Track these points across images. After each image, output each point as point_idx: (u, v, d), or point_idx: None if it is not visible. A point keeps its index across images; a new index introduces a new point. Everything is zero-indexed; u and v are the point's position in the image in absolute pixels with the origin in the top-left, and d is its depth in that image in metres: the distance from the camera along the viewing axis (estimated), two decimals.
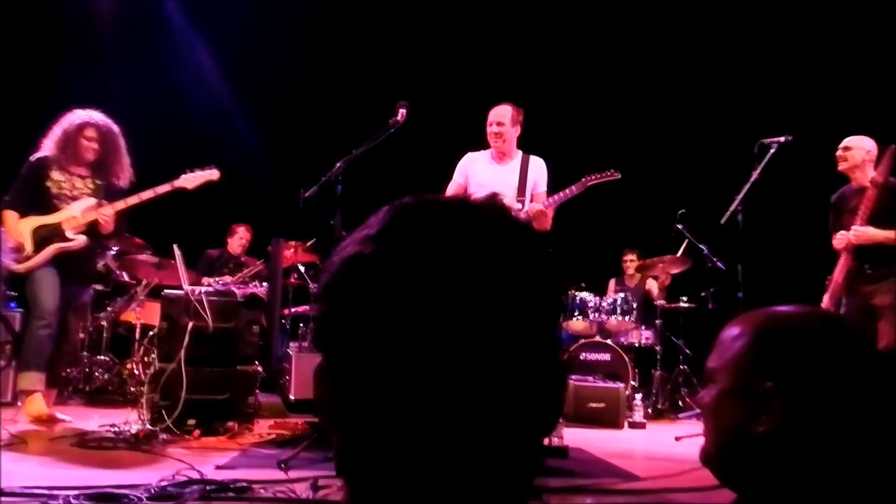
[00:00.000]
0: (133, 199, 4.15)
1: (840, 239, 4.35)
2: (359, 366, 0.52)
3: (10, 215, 4.06)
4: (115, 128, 4.28)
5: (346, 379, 0.54)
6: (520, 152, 4.24)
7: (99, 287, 5.43)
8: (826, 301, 4.43)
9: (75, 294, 4.20)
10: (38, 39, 6.63)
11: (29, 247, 4.01)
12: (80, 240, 4.08)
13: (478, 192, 4.10)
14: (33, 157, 4.15)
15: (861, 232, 4.23)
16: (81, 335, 4.89)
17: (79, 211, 4.09)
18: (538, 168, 4.21)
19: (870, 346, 0.91)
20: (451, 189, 4.28)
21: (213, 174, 4.36)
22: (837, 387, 0.87)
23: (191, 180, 4.27)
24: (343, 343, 0.53)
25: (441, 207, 0.56)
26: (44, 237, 4.03)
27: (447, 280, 0.51)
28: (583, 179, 4.19)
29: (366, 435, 0.53)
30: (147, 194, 4.17)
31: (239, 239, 6.62)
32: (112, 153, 4.24)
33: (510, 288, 0.52)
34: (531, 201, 4.14)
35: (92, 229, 4.13)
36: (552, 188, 4.24)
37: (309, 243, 5.80)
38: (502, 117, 4.13)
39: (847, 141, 4.54)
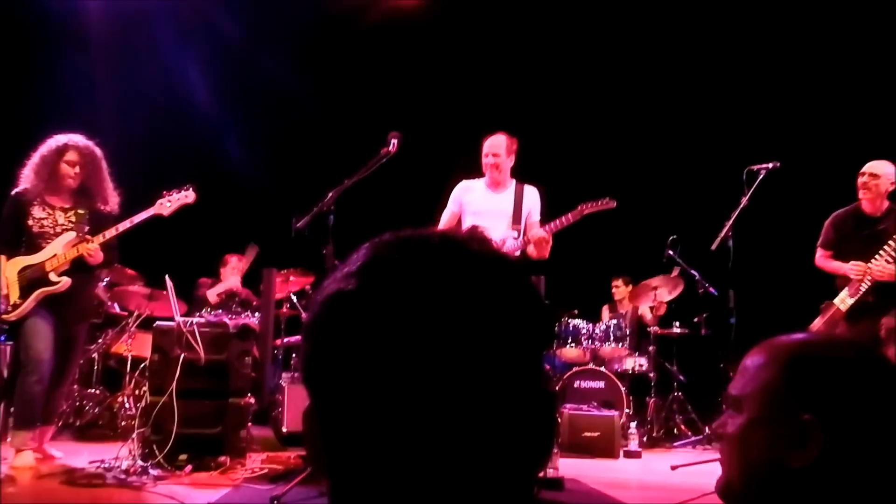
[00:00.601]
0: (111, 232, 3.95)
1: (857, 268, 4.25)
2: (344, 402, 0.52)
3: None
4: (98, 150, 4.07)
5: (332, 417, 0.54)
6: (513, 181, 4.28)
7: (95, 320, 5.38)
8: (819, 324, 4.42)
9: (71, 333, 4.05)
10: (24, 55, 6.67)
11: (14, 293, 3.83)
12: (64, 282, 3.89)
13: (473, 220, 4.17)
14: (13, 192, 3.96)
15: (886, 270, 4.14)
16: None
17: (60, 249, 3.91)
18: (532, 197, 4.24)
19: None
20: (446, 217, 4.29)
21: (188, 197, 4.13)
22: (875, 418, 0.84)
23: (167, 206, 4.06)
24: (328, 380, 0.54)
25: (421, 242, 0.56)
26: (29, 280, 3.86)
27: (429, 315, 0.51)
28: (579, 207, 4.18)
29: (354, 475, 0.53)
30: (124, 225, 3.98)
31: (231, 269, 6.57)
32: (95, 177, 4.04)
33: (492, 320, 0.52)
34: (525, 229, 4.15)
35: (79, 264, 3.94)
36: (544, 216, 4.26)
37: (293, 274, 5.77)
38: (498, 148, 4.17)
39: (874, 167, 4.38)
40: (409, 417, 0.50)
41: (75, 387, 5.19)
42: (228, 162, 7.16)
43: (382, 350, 0.51)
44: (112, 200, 4.11)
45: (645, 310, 6.76)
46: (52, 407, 4.05)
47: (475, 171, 4.35)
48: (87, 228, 4.00)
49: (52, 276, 3.88)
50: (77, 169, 3.98)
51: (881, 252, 4.17)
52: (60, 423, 4.99)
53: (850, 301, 4.29)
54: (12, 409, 3.91)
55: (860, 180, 4.37)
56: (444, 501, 0.51)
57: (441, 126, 6.78)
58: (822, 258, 4.55)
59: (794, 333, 0.95)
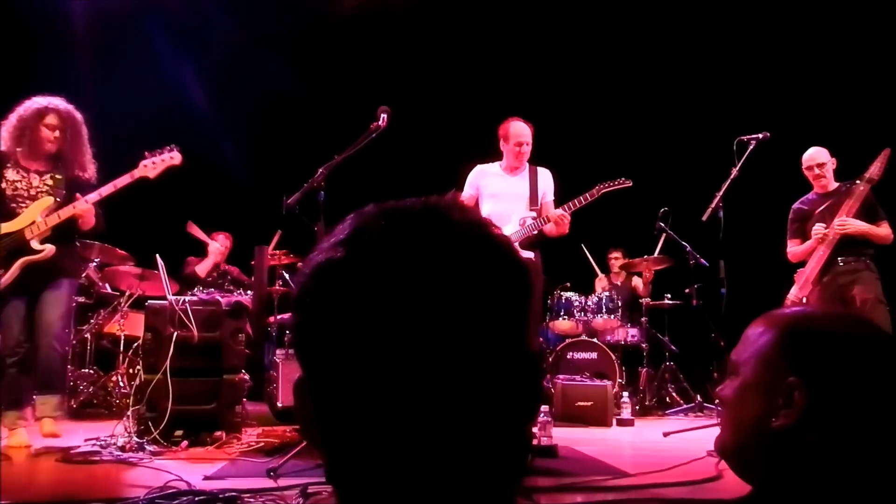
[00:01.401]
0: (93, 196, 3.75)
1: (819, 231, 4.52)
2: (335, 369, 0.53)
3: None
4: (79, 115, 3.90)
5: (323, 386, 0.54)
6: (527, 164, 4.40)
7: (80, 299, 5.34)
8: (796, 293, 4.62)
9: (49, 291, 3.79)
10: (13, 52, 6.57)
11: None
12: (48, 249, 3.71)
13: (491, 203, 4.31)
14: None
15: (848, 223, 4.40)
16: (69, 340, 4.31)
17: (39, 215, 3.72)
18: (546, 178, 4.40)
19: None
20: (464, 199, 4.37)
21: (174, 158, 3.94)
22: (858, 388, 0.87)
23: (151, 168, 3.88)
24: (319, 348, 0.54)
25: (404, 212, 0.56)
26: (9, 249, 3.66)
27: (414, 280, 0.52)
28: (597, 187, 4.35)
29: (348, 445, 0.54)
30: (107, 189, 3.79)
31: (212, 248, 6.54)
32: (74, 143, 3.86)
33: (473, 284, 0.53)
34: (541, 210, 4.29)
35: (60, 231, 3.76)
36: (558, 196, 4.42)
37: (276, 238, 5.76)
38: (528, 137, 4.35)
39: (817, 157, 4.75)
40: (398, 383, 0.51)
41: (69, 367, 5.08)
42: (216, 140, 7.10)
43: (370, 316, 0.51)
44: (90, 168, 3.93)
45: (637, 282, 6.81)
46: (44, 372, 3.77)
47: (490, 153, 4.47)
48: (63, 193, 3.83)
49: (35, 244, 3.70)
50: (57, 133, 3.82)
51: (840, 211, 4.46)
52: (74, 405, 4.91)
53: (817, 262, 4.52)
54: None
55: (812, 173, 4.74)
56: (439, 463, 0.52)
57: (432, 102, 6.74)
58: (793, 249, 4.79)
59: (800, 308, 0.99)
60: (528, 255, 4.16)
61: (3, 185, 3.75)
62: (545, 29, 7.28)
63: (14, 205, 3.73)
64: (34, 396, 3.83)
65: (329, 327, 0.53)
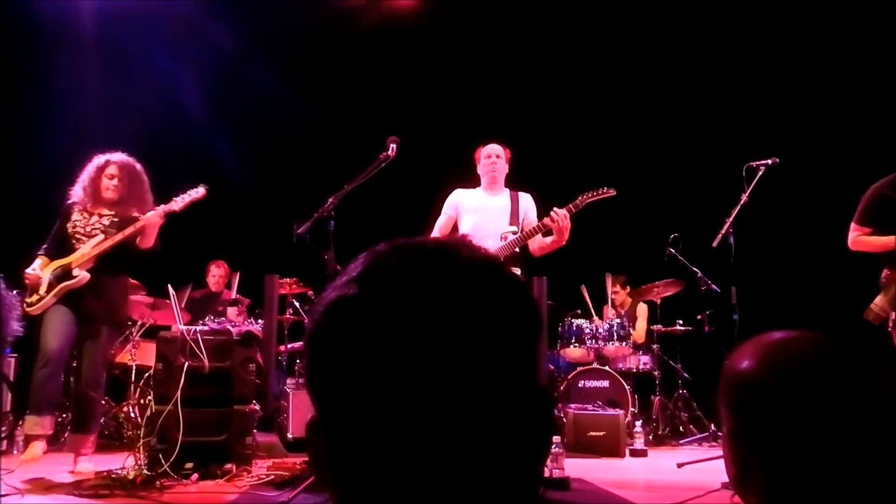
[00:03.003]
0: (129, 230, 4.11)
1: None
2: (347, 406, 0.53)
3: (38, 260, 4.18)
4: (138, 166, 4.34)
5: (337, 422, 0.54)
6: (507, 188, 4.36)
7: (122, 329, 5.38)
8: (883, 304, 4.04)
9: (92, 331, 4.10)
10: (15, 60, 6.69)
11: (43, 289, 4.05)
12: (82, 276, 4.05)
13: (471, 217, 4.20)
14: (65, 204, 4.28)
15: None
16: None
17: (88, 249, 4.11)
18: (527, 200, 4.33)
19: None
20: (441, 221, 4.32)
21: (198, 193, 4.33)
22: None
23: (179, 202, 4.27)
24: (332, 384, 0.54)
25: (416, 249, 0.57)
26: (56, 277, 4.08)
27: (427, 318, 0.52)
28: (580, 197, 4.11)
29: (360, 484, 0.54)
30: (138, 224, 4.14)
31: (212, 277, 6.59)
32: (134, 189, 4.28)
33: (486, 322, 0.54)
34: (523, 229, 4.17)
35: (105, 262, 4.11)
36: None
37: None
38: (499, 151, 4.33)
39: None
40: (411, 420, 0.51)
41: (105, 400, 5.05)
42: (224, 170, 7.17)
43: (384, 352, 0.52)
44: (148, 210, 4.26)
45: (642, 311, 6.77)
46: (85, 412, 4.06)
47: (469, 179, 4.41)
48: (126, 230, 4.16)
49: (75, 272, 4.07)
50: (116, 182, 4.23)
51: None
52: (67, 434, 4.95)
53: None
54: (21, 420, 4.06)
55: None
56: (451, 502, 0.52)
57: (441, 130, 6.79)
58: (858, 237, 4.12)
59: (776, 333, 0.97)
60: (515, 271, 4.09)
61: (68, 224, 4.20)
62: (551, 53, 7.34)
63: (73, 241, 4.16)
64: (69, 434, 4.11)
65: (342, 364, 0.53)
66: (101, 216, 4.22)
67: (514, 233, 4.10)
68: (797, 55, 6.72)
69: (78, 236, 4.16)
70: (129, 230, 4.11)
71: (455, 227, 4.28)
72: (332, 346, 0.54)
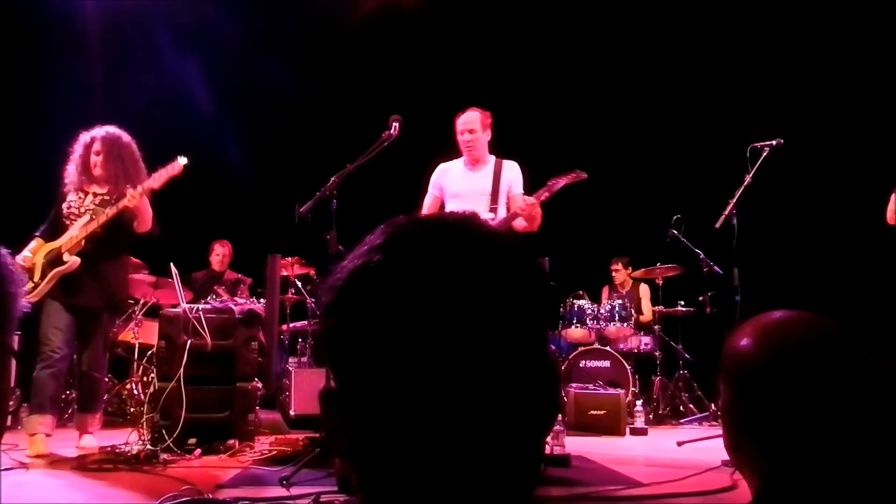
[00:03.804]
0: (112, 211, 3.98)
1: None
2: (369, 374, 0.54)
3: (34, 242, 4.08)
4: (125, 137, 4.20)
5: (356, 392, 0.55)
6: (493, 157, 4.19)
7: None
8: None
9: (92, 315, 4.03)
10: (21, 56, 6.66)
11: (36, 275, 3.95)
12: (73, 261, 3.96)
13: (452, 203, 4.11)
14: (62, 185, 4.20)
15: None
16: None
17: (77, 231, 4.01)
18: (512, 171, 4.15)
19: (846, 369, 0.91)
20: (428, 202, 4.25)
21: (175, 168, 4.07)
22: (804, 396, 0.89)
23: (156, 179, 4.07)
24: (355, 352, 0.55)
25: (437, 222, 0.58)
26: (49, 263, 3.98)
27: (451, 286, 0.53)
28: (549, 182, 3.98)
29: (378, 453, 0.54)
30: (121, 204, 3.98)
31: (216, 256, 6.59)
32: (122, 163, 4.14)
33: (507, 295, 0.55)
34: (507, 204, 4.08)
35: (99, 244, 4.00)
36: (529, 190, 4.15)
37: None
38: (472, 124, 4.09)
39: None
40: (429, 389, 0.52)
41: (108, 378, 5.10)
42: (226, 151, 7.14)
43: (407, 320, 0.52)
44: (141, 185, 4.12)
45: (644, 292, 6.78)
46: (90, 392, 4.05)
47: (454, 152, 4.27)
48: (108, 210, 4.05)
49: (65, 256, 3.98)
50: (101, 157, 4.12)
51: None
52: (70, 411, 5.00)
53: None
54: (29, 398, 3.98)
55: None
56: (460, 473, 0.53)
57: (445, 109, 6.76)
58: None
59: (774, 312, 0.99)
60: None
61: (63, 205, 4.12)
62: (554, 29, 7.28)
63: (68, 222, 4.07)
64: (76, 413, 4.06)
65: (366, 331, 0.54)
66: (94, 195, 4.13)
67: (492, 219, 4.01)
68: (801, 35, 6.65)
69: (73, 217, 4.07)
70: (111, 211, 3.98)
71: (442, 206, 4.19)
72: (357, 312, 0.54)
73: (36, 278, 3.94)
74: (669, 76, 7.16)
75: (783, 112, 6.34)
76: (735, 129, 5.68)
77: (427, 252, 0.55)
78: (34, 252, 4.02)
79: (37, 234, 4.12)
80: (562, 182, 3.96)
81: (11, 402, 4.84)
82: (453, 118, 4.27)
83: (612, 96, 7.32)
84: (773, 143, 4.75)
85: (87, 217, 4.05)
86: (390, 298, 0.53)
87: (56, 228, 4.10)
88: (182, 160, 4.11)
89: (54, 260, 3.99)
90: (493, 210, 4.07)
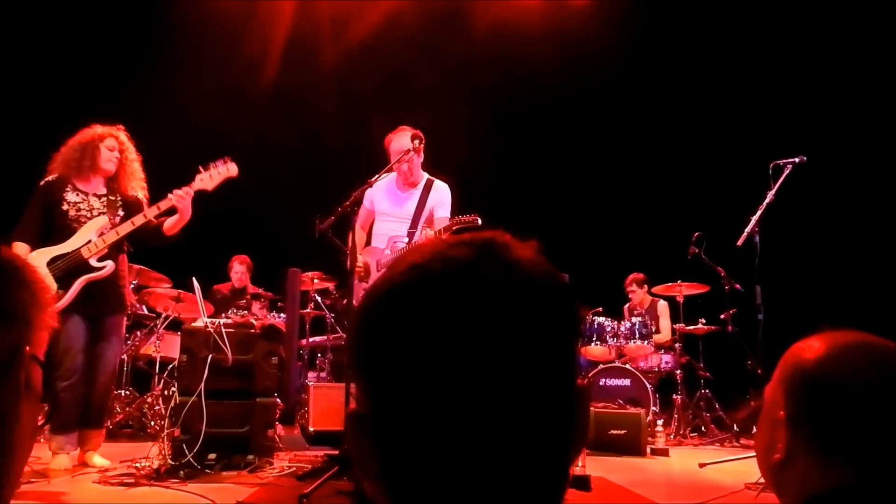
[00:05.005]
0: (161, 205, 3.87)
1: None
2: (406, 395, 0.54)
3: (20, 247, 3.70)
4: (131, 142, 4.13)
5: (391, 412, 0.55)
6: (425, 176, 4.21)
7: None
8: None
9: (106, 326, 3.94)
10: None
11: (52, 284, 3.68)
12: (108, 266, 3.83)
13: (379, 220, 4.19)
14: (43, 182, 3.90)
15: None
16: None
17: (94, 234, 3.84)
18: (439, 194, 4.17)
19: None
20: (361, 215, 4.26)
21: (231, 170, 4.00)
22: (851, 420, 0.89)
23: (208, 180, 3.96)
24: (393, 371, 0.55)
25: (472, 242, 0.59)
26: (67, 270, 3.76)
27: (486, 309, 0.54)
28: (447, 223, 3.95)
29: (411, 475, 0.54)
30: (165, 204, 3.89)
31: (235, 273, 6.59)
32: (130, 166, 4.06)
33: (543, 317, 0.56)
34: (426, 226, 4.13)
35: (114, 251, 3.91)
36: (456, 212, 4.15)
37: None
38: (406, 147, 4.04)
39: None
40: (465, 411, 0.53)
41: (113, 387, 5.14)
42: (247, 164, 7.19)
43: (445, 340, 0.53)
44: (142, 191, 4.11)
45: (663, 309, 6.71)
46: (97, 408, 3.93)
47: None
48: (122, 214, 3.97)
49: (94, 262, 3.81)
50: (116, 154, 4.01)
51: None
52: (110, 426, 4.92)
53: None
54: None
55: None
56: (491, 494, 0.53)
57: (464, 126, 6.78)
58: None
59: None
60: None
61: (65, 206, 3.87)
62: (578, 47, 7.29)
63: (76, 225, 3.85)
64: (83, 431, 3.88)
65: (404, 351, 0.54)
66: (98, 197, 3.94)
67: (406, 242, 4.09)
68: (824, 51, 6.61)
69: (83, 220, 3.85)
70: (152, 211, 3.81)
71: (373, 223, 4.25)
72: (396, 331, 0.55)
73: (53, 287, 3.67)
74: (691, 92, 7.14)
75: (806, 128, 6.29)
76: (756, 146, 5.64)
77: (467, 271, 0.55)
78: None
79: (14, 238, 3.74)
80: (455, 224, 3.84)
81: (41, 418, 4.87)
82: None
83: (634, 114, 7.30)
84: (796, 160, 4.71)
85: (102, 219, 3.88)
86: (431, 318, 0.54)
87: (52, 231, 3.81)
88: (233, 164, 4.00)
89: (75, 267, 3.77)
90: (411, 235, 4.11)
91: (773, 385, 0.98)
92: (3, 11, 6.37)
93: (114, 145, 4.01)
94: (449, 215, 4.12)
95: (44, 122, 5.80)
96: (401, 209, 4.13)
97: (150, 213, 3.89)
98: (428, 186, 4.14)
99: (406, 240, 4.08)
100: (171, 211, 3.97)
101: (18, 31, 6.61)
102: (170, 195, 3.89)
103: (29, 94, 6.53)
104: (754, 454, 1.08)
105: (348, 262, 3.80)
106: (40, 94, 6.58)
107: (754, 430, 4.90)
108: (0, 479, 0.70)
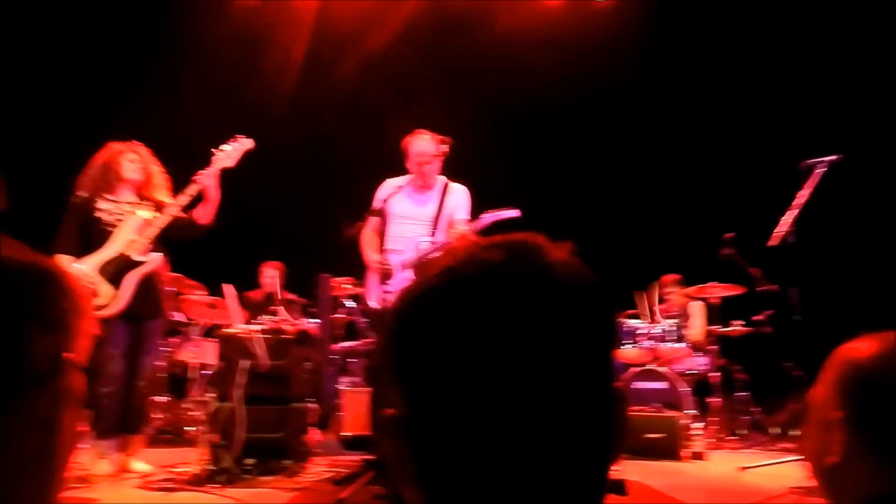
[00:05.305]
0: (192, 189, 4.00)
1: None
2: (444, 397, 0.54)
3: (63, 259, 3.77)
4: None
5: (431, 415, 0.55)
6: (441, 179, 4.12)
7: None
8: None
9: (146, 330, 4.03)
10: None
11: (105, 289, 3.82)
12: (155, 257, 3.94)
13: (395, 223, 4.03)
14: (75, 197, 4.03)
15: None
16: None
17: (132, 233, 3.93)
18: (457, 197, 4.10)
19: None
20: (373, 220, 4.13)
21: (246, 143, 4.10)
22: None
23: (228, 158, 4.05)
24: (430, 375, 0.55)
25: (506, 244, 0.58)
26: (116, 273, 3.86)
27: (524, 313, 0.54)
28: (480, 216, 3.89)
29: (449, 480, 0.54)
30: (192, 189, 4.02)
31: (267, 279, 6.61)
32: (153, 173, 4.17)
33: (575, 322, 0.55)
34: (448, 229, 4.02)
35: (162, 244, 4.02)
36: (474, 214, 4.09)
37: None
38: (431, 151, 3.98)
39: None
40: (502, 415, 0.52)
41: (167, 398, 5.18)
42: (276, 170, 7.26)
43: (483, 344, 0.53)
44: (169, 198, 4.17)
45: (695, 310, 6.61)
46: (137, 413, 3.99)
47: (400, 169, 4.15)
48: (155, 215, 4.05)
49: (136, 257, 3.91)
50: (139, 163, 4.11)
51: None
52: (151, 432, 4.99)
53: None
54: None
55: None
56: (528, 497, 0.53)
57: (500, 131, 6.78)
58: None
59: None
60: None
61: (98, 214, 3.97)
62: (603, 48, 7.25)
63: (112, 229, 3.96)
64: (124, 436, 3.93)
65: (440, 352, 0.54)
66: (129, 203, 4.05)
67: (431, 243, 3.97)
68: (853, 49, 6.49)
69: (118, 223, 3.96)
70: (183, 199, 3.94)
71: (385, 221, 4.10)
72: (430, 335, 0.55)
73: (106, 291, 3.80)
74: (720, 90, 7.05)
75: (840, 126, 6.17)
76: (792, 144, 5.56)
77: (501, 273, 0.55)
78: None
79: (59, 252, 3.82)
80: (490, 219, 3.82)
81: (83, 425, 4.96)
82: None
83: (662, 114, 7.24)
84: (833, 158, 4.63)
85: (137, 217, 3.97)
86: (461, 322, 0.54)
87: (90, 240, 3.92)
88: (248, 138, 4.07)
89: (123, 267, 3.86)
90: (433, 235, 4.02)
91: (823, 386, 0.97)
92: (12, 17, 6.48)
93: (135, 157, 4.12)
94: (466, 217, 4.05)
95: (63, 135, 5.93)
96: (420, 212, 4.06)
97: (181, 200, 4.00)
98: (445, 189, 4.08)
99: (430, 240, 3.99)
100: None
101: (24, 37, 6.72)
102: (194, 179, 3.99)
103: (42, 103, 6.64)
104: (798, 457, 1.08)
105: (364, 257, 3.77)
106: (55, 102, 6.69)
107: (796, 432, 4.82)
108: (43, 485, 0.72)
